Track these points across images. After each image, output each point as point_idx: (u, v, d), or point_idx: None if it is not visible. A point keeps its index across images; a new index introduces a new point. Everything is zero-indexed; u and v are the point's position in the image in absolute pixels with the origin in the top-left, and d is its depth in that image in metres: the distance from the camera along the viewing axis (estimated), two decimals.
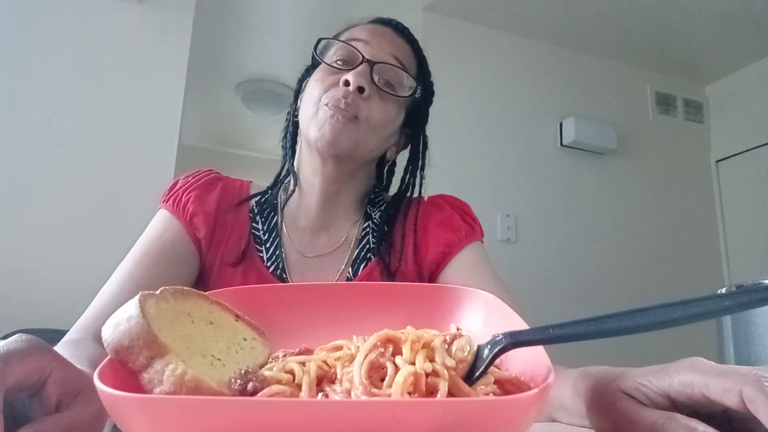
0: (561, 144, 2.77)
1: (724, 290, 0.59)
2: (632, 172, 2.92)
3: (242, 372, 0.33)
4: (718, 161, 3.12)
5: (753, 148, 2.94)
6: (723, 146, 3.11)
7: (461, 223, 0.83)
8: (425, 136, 0.89)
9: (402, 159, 0.90)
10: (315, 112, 0.76)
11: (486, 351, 0.35)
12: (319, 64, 0.81)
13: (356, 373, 0.32)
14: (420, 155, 0.88)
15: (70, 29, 2.06)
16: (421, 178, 0.88)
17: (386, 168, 0.92)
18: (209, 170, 0.88)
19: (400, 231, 0.83)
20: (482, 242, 0.84)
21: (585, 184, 2.79)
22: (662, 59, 2.99)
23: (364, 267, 0.80)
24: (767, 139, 2.88)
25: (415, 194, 0.87)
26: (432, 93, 0.88)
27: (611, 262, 2.72)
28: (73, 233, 1.89)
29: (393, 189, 0.91)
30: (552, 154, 2.75)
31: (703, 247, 3.00)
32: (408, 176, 0.88)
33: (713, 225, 3.06)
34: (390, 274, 0.78)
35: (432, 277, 0.81)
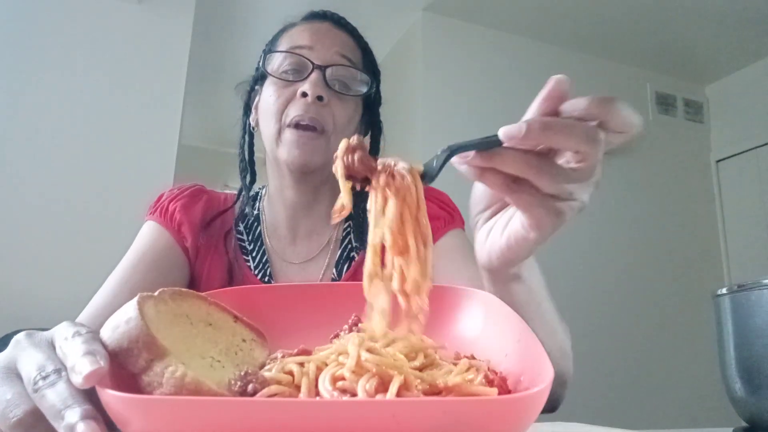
0: None
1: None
2: (632, 172, 2.92)
3: (242, 373, 0.33)
4: (718, 161, 3.12)
5: (753, 148, 2.94)
6: (723, 146, 3.11)
7: (439, 211, 0.83)
8: (380, 121, 0.89)
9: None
10: (278, 132, 0.76)
11: (434, 162, 0.42)
12: (267, 75, 0.80)
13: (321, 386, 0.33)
14: (377, 140, 0.88)
15: (70, 29, 2.06)
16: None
17: None
18: (194, 183, 0.88)
19: None
20: (463, 229, 0.84)
21: None
22: (662, 59, 2.99)
23: (347, 268, 0.81)
24: (767, 139, 2.88)
25: None
26: (379, 73, 0.88)
27: (611, 261, 2.72)
28: (73, 232, 1.89)
29: None
30: None
31: (703, 247, 2.99)
32: None
33: (713, 225, 3.06)
34: None
35: None
